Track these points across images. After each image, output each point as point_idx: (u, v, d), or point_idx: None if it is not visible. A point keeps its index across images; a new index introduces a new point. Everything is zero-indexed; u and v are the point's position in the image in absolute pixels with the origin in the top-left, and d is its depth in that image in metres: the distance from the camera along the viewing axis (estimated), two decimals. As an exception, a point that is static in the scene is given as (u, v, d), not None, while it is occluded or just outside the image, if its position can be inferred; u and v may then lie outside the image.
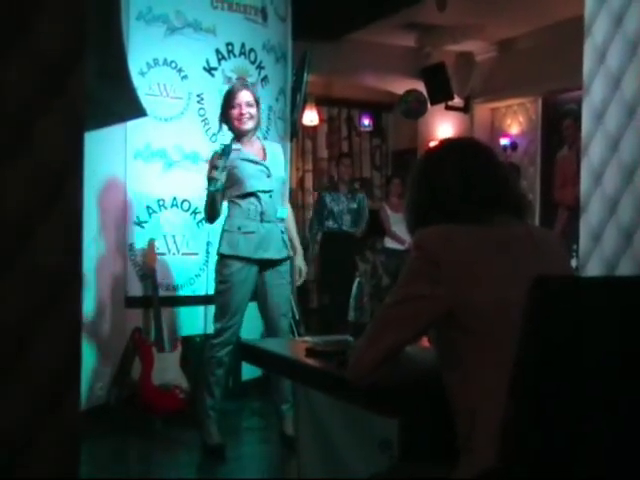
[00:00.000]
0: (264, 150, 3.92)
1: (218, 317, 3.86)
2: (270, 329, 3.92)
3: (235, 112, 3.81)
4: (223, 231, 3.85)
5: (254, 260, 3.78)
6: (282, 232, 3.90)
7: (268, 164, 3.85)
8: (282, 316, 3.93)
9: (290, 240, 4.02)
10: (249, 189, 3.79)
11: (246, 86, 4.07)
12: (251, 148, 3.89)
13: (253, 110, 3.84)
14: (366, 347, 1.71)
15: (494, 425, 1.46)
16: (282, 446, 3.94)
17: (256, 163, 3.83)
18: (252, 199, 3.78)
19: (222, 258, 3.82)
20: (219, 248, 3.85)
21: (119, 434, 4.24)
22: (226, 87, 4.91)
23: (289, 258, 3.97)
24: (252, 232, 3.76)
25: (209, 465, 3.93)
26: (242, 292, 3.80)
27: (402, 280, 1.69)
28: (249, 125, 3.84)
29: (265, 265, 3.84)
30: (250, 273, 3.81)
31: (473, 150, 1.86)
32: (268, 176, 3.83)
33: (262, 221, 3.78)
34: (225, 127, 3.93)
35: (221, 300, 3.84)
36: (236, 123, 3.82)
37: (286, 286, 3.97)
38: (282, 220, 3.93)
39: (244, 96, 3.83)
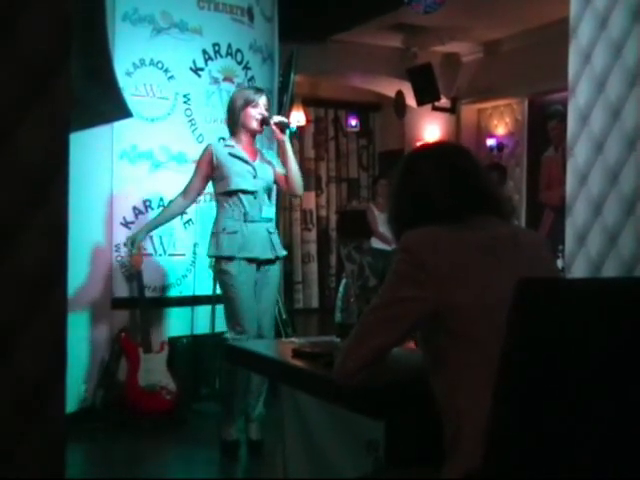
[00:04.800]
0: (257, 154, 3.96)
1: (228, 322, 3.86)
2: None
3: (256, 111, 3.88)
4: (211, 234, 3.90)
5: (241, 259, 3.79)
6: (270, 232, 3.90)
7: (256, 165, 3.90)
8: (267, 314, 3.93)
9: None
10: (233, 187, 3.82)
11: (263, 91, 4.11)
12: (246, 148, 3.93)
13: (266, 113, 3.93)
14: (351, 349, 1.71)
15: (480, 426, 1.46)
16: (248, 451, 3.96)
17: (244, 162, 3.87)
18: (235, 199, 3.82)
19: (214, 261, 3.89)
20: (207, 250, 3.91)
21: (105, 436, 4.22)
22: (213, 87, 4.95)
23: (277, 259, 3.95)
24: (235, 232, 3.80)
25: (196, 467, 3.93)
26: (244, 292, 3.80)
27: (388, 283, 1.69)
28: (261, 127, 3.93)
29: (256, 264, 3.85)
30: (248, 271, 3.82)
31: (457, 150, 1.88)
32: (254, 177, 3.87)
33: (246, 221, 3.81)
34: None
35: (226, 304, 3.86)
36: (254, 122, 3.89)
37: (275, 285, 3.99)
38: (270, 220, 3.93)
39: (264, 100, 3.93)
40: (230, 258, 3.78)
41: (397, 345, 1.76)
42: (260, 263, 3.87)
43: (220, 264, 3.83)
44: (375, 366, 1.71)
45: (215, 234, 3.85)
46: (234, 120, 3.93)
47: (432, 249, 1.64)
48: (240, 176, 3.83)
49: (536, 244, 1.80)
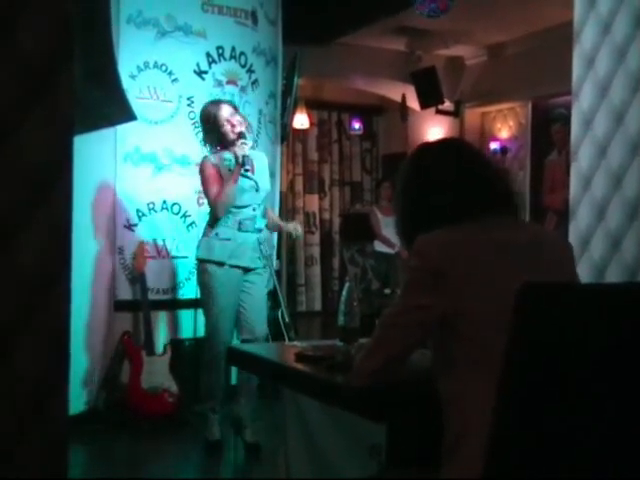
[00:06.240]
0: (252, 162, 4.00)
1: (206, 322, 4.00)
2: (246, 333, 3.95)
3: (228, 128, 3.94)
4: (202, 236, 3.99)
5: (229, 266, 3.88)
6: (260, 242, 3.98)
7: (257, 178, 3.97)
8: (259, 317, 4.00)
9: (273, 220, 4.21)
10: (242, 203, 3.90)
11: (221, 101, 4.18)
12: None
13: (239, 118, 4.00)
14: (366, 356, 1.73)
15: (485, 430, 1.45)
16: (245, 454, 3.99)
17: (248, 178, 3.93)
18: (234, 210, 3.89)
19: (200, 263, 3.96)
20: (196, 253, 4.00)
21: (107, 438, 4.22)
22: (216, 90, 4.94)
23: (265, 267, 4.04)
24: (228, 239, 3.88)
25: (198, 468, 3.94)
26: (225, 295, 3.88)
27: (403, 290, 1.70)
28: (241, 128, 3.96)
29: (243, 271, 3.94)
30: (233, 277, 3.90)
31: (463, 142, 1.92)
32: (257, 190, 3.96)
33: (240, 230, 3.89)
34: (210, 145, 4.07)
35: (206, 305, 3.96)
36: (233, 137, 3.93)
37: (262, 288, 4.06)
38: (259, 230, 4.00)
39: (227, 111, 3.97)
40: (219, 263, 3.86)
41: (413, 350, 1.75)
42: (246, 270, 3.94)
43: (206, 267, 3.90)
44: (392, 371, 1.72)
45: (206, 238, 3.93)
46: (212, 139, 4.03)
47: (447, 255, 1.63)
48: (247, 192, 3.91)
49: (558, 248, 1.79)
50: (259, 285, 4.01)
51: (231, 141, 3.93)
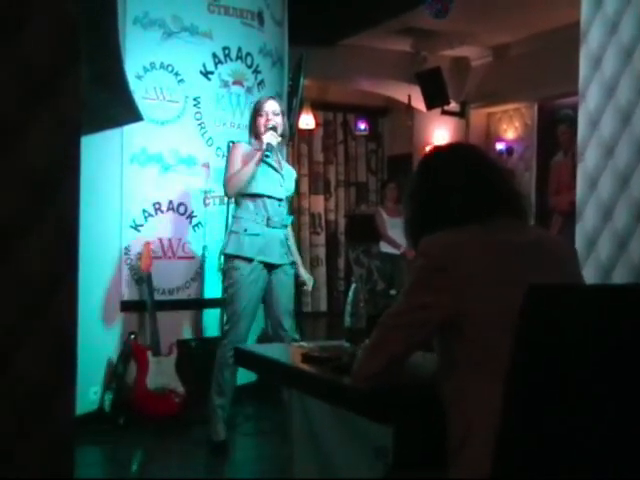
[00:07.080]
0: (280, 163, 4.08)
1: (227, 318, 3.99)
2: (274, 329, 4.01)
3: (262, 120, 3.97)
4: (230, 232, 3.99)
5: (258, 262, 3.89)
6: (286, 238, 4.02)
7: (284, 174, 4.04)
8: (287, 314, 4.02)
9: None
10: (259, 190, 3.90)
11: (273, 97, 4.27)
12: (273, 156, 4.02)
13: (279, 119, 4.01)
14: (368, 355, 1.73)
15: (491, 431, 1.46)
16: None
17: (274, 170, 3.98)
18: (260, 203, 3.91)
19: (228, 259, 3.94)
20: (225, 248, 3.98)
21: (113, 438, 4.23)
22: (222, 91, 4.97)
23: (292, 264, 4.07)
24: (257, 234, 3.89)
25: (204, 469, 3.94)
26: (251, 293, 3.89)
27: (407, 288, 1.69)
28: (274, 124, 3.98)
29: (270, 267, 3.95)
30: (260, 275, 3.91)
31: (471, 147, 1.91)
32: (281, 185, 4.00)
33: (268, 226, 3.92)
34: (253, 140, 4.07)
35: (229, 301, 3.95)
36: (262, 130, 3.96)
37: (290, 285, 4.07)
38: (286, 226, 4.04)
39: (270, 105, 4.02)
40: (248, 259, 3.86)
41: (414, 351, 1.75)
42: (273, 267, 3.95)
43: (234, 263, 3.89)
44: (395, 371, 1.72)
45: (235, 233, 3.92)
46: (251, 128, 4.07)
47: (452, 255, 1.64)
48: (268, 182, 3.94)
49: (560, 250, 1.79)
50: (286, 284, 4.02)
51: (261, 132, 3.97)
